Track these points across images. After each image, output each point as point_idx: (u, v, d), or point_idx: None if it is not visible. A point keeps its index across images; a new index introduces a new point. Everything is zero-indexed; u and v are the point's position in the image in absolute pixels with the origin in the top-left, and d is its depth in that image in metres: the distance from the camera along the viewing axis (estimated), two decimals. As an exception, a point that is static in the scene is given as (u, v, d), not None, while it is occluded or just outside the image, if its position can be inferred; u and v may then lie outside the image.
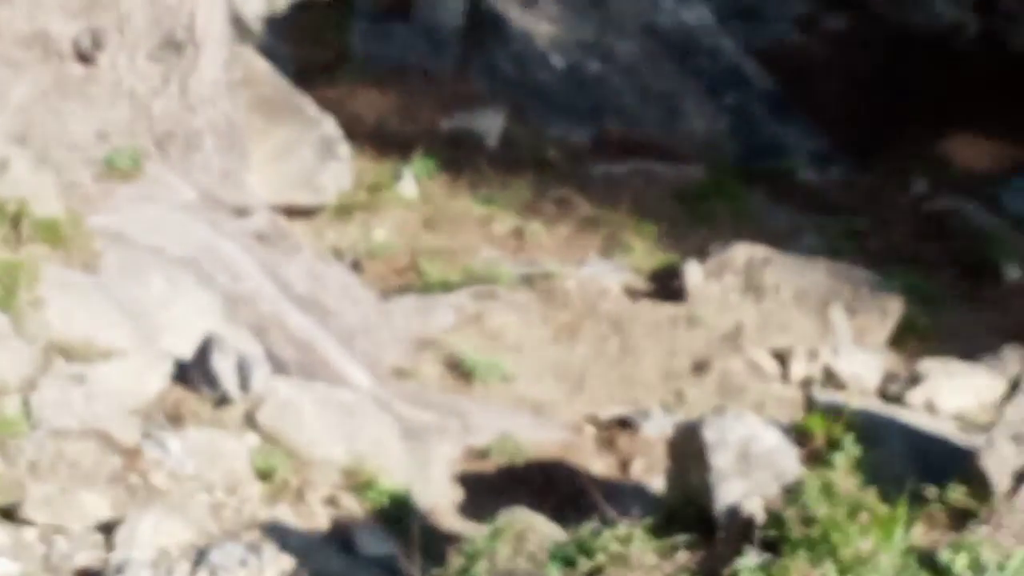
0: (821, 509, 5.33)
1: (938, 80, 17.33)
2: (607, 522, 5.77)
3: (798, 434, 6.32)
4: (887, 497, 5.42)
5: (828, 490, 5.43)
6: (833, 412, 6.42)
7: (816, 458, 6.03)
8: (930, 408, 9.66)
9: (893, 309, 10.65)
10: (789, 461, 5.93)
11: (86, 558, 6.76)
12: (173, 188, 9.44)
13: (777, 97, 16.07)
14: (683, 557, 5.54)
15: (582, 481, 8.10)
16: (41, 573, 6.67)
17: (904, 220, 13.21)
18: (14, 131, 9.09)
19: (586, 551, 5.59)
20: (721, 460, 5.87)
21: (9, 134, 9.05)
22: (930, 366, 10.00)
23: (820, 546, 5.19)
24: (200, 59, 9.78)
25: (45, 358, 7.76)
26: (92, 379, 7.71)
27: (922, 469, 5.90)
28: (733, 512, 5.62)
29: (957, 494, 5.63)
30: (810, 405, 6.84)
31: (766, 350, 10.17)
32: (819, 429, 6.27)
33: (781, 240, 11.84)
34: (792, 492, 5.51)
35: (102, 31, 9.39)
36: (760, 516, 5.47)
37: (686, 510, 5.89)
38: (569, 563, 5.59)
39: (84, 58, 9.37)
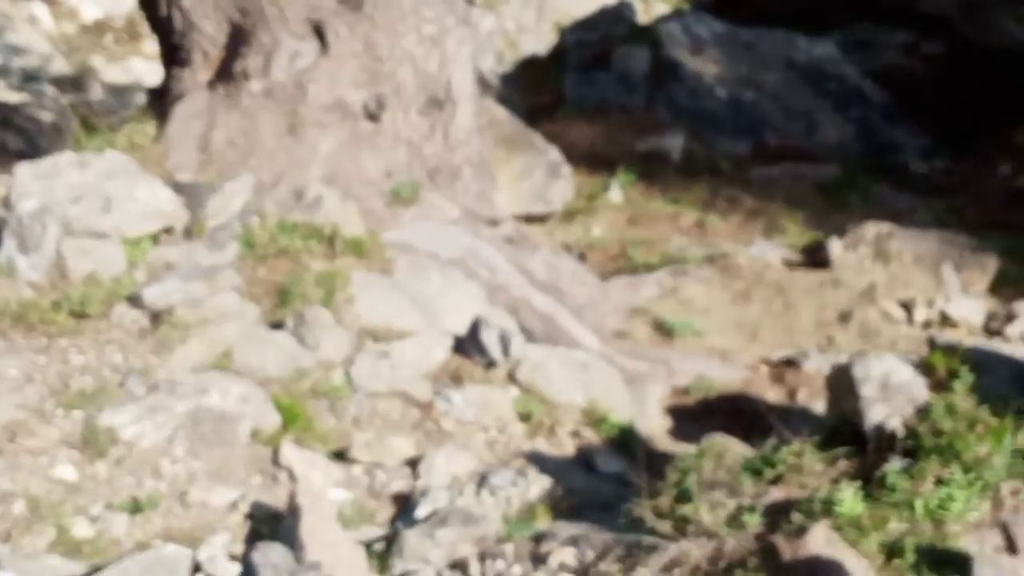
0: (946, 424, 5.27)
1: (1014, 86, 16.96)
2: (783, 440, 5.75)
3: (924, 367, 6.24)
4: (997, 412, 5.35)
5: (951, 409, 5.37)
6: (950, 349, 6.34)
7: (940, 385, 5.94)
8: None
9: (990, 265, 10.46)
10: (919, 389, 5.88)
11: (399, 486, 6.88)
12: (442, 208, 9.53)
13: (891, 108, 15.85)
14: (843, 465, 5.50)
15: (761, 408, 8.08)
16: (367, 498, 6.80)
17: (994, 196, 12.98)
18: (324, 175, 9.24)
19: (769, 463, 5.58)
20: (868, 390, 5.84)
21: (321, 177, 9.20)
22: (1022, 306, 9.83)
23: (947, 452, 5.14)
24: (456, 111, 9.85)
25: (359, 340, 7.88)
26: (394, 353, 7.82)
27: (1022, 388, 5.81)
28: (879, 429, 5.58)
29: (1052, 406, 5.53)
30: (932, 344, 6.72)
31: (894, 302, 10.05)
32: (940, 363, 6.18)
33: (900, 217, 11.68)
34: (923, 412, 5.45)
35: (383, 96, 9.49)
36: (900, 431, 5.42)
37: (843, 429, 5.85)
38: (757, 473, 5.58)
39: (372, 117, 9.48)
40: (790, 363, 9.23)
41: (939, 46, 17.90)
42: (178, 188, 8.53)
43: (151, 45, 10.93)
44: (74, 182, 8.03)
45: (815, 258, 10.64)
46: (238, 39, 9.63)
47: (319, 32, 9.50)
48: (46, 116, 17.11)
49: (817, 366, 8.93)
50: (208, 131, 9.44)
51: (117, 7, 25.47)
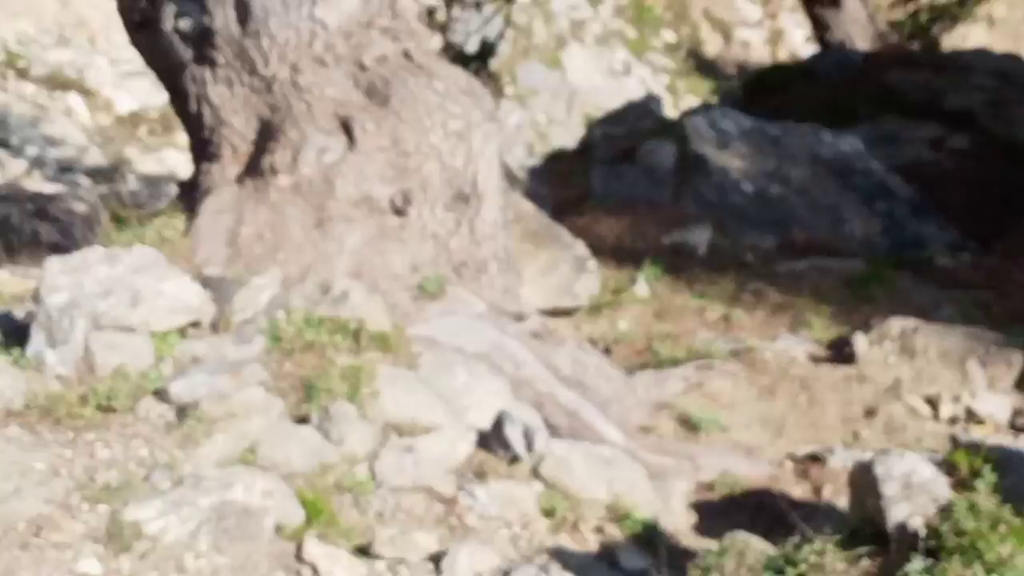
0: (969, 523, 5.28)
1: (1041, 180, 17.04)
2: (806, 538, 5.77)
3: (947, 466, 6.25)
4: (1020, 512, 5.36)
5: (973, 509, 5.38)
6: (973, 447, 6.35)
7: (962, 484, 5.95)
8: (1052, 435, 9.53)
9: (1016, 360, 10.46)
10: (942, 488, 5.87)
11: (422, 582, 6.91)
12: (468, 303, 9.58)
13: (917, 202, 15.91)
14: (866, 564, 5.52)
15: (785, 505, 8.07)
16: (390, 596, 6.82)
17: (1020, 290, 12.96)
18: (351, 269, 9.31)
19: (791, 563, 5.59)
20: (890, 489, 5.84)
21: (348, 271, 9.27)
22: (1049, 403, 9.85)
23: (970, 552, 5.15)
24: (483, 206, 9.93)
25: (383, 434, 7.91)
26: (418, 448, 7.85)
27: (1046, 489, 5.82)
28: (902, 528, 5.59)
29: (1076, 508, 5.53)
30: (955, 443, 6.76)
31: (920, 397, 10.04)
32: (963, 461, 6.19)
33: (926, 312, 11.69)
34: (946, 511, 5.47)
35: (410, 191, 9.58)
36: (922, 531, 5.43)
37: (865, 528, 5.86)
38: (779, 572, 5.60)
39: (398, 212, 9.56)
40: (815, 459, 9.23)
41: (965, 140, 18.01)
42: (206, 282, 8.61)
43: (185, 136, 11.06)
44: (103, 276, 8.11)
45: (841, 353, 10.65)
46: (266, 134, 9.76)
47: (347, 128, 9.62)
48: (80, 207, 17.28)
49: (843, 462, 8.91)
50: (236, 225, 9.54)
51: (152, 99, 25.83)
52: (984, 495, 5.53)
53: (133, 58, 20.26)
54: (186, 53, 9.97)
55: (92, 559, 6.37)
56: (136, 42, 10.64)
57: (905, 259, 13.93)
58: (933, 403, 9.94)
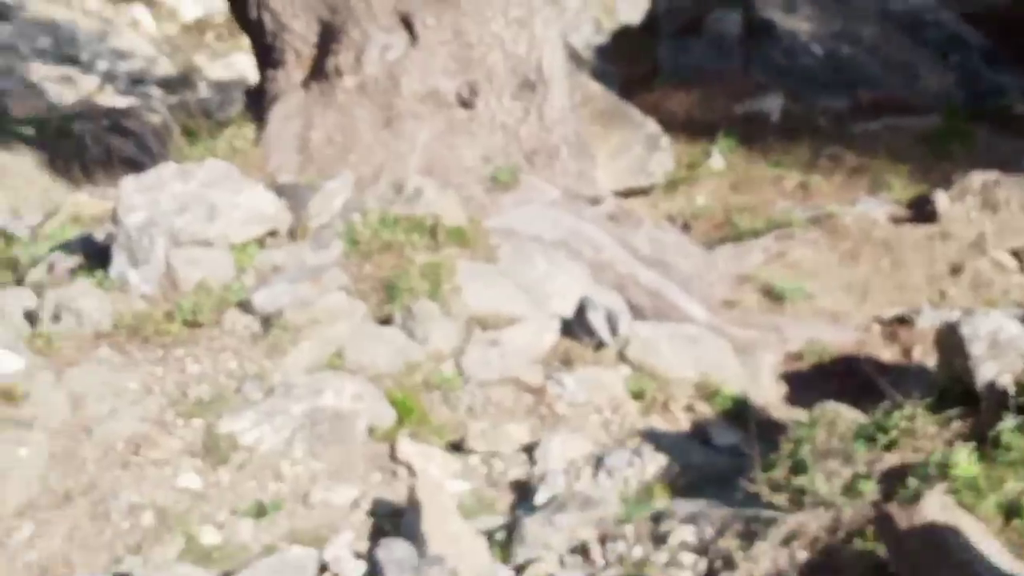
0: (1060, 377, 5.25)
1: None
2: (896, 404, 5.75)
3: (1035, 320, 6.19)
4: (1108, 360, 5.32)
5: (1063, 363, 5.35)
6: (1061, 299, 6.31)
7: (1052, 338, 5.90)
8: None
9: (1104, 206, 10.31)
10: (1030, 343, 5.83)
11: (516, 473, 6.96)
12: (542, 191, 9.57)
13: (991, 51, 15.61)
14: (957, 426, 5.50)
15: (874, 371, 8.03)
16: (486, 488, 6.88)
17: (1101, 133, 12.76)
18: (423, 166, 9.32)
19: (882, 429, 5.59)
20: (977, 349, 5.80)
21: (419, 168, 9.28)
22: None
23: (1062, 406, 5.12)
24: (549, 92, 9.89)
25: (467, 329, 7.96)
26: (503, 341, 7.90)
27: None
28: (991, 387, 5.55)
29: None
30: (1042, 296, 6.71)
31: (1005, 251, 9.92)
32: (1051, 314, 6.14)
33: (1007, 164, 11.49)
34: (1035, 368, 5.43)
35: (476, 83, 9.55)
36: (1012, 388, 5.40)
37: (955, 389, 5.83)
38: (871, 439, 5.60)
39: (465, 104, 9.54)
40: (903, 321, 9.17)
41: (1038, -17, 17.62)
42: (280, 190, 8.65)
43: (252, 41, 11.05)
44: (178, 192, 8.17)
45: (922, 212, 10.52)
46: (328, 37, 9.74)
47: (407, 24, 9.59)
48: (154, 119, 17.34)
49: (931, 322, 8.85)
50: (305, 131, 9.57)
51: (217, 4, 25.76)
52: (1074, 347, 5.49)
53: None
54: (244, -40, 9.95)
55: (191, 473, 6.48)
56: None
57: (983, 111, 13.71)
58: (1019, 256, 9.82)
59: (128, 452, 6.52)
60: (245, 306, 7.61)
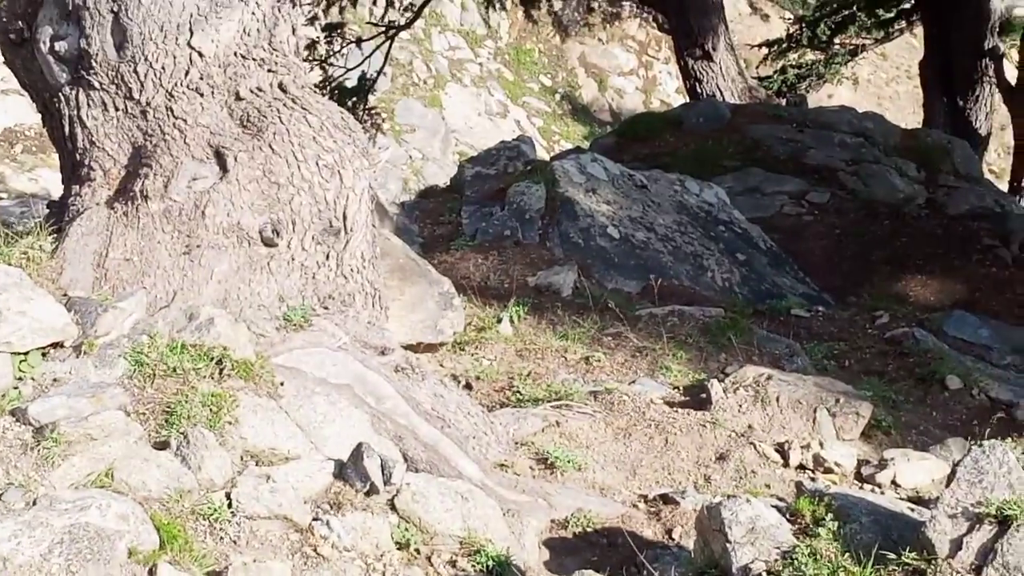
0: (810, 570, 5.38)
1: (896, 237, 17.43)
2: (653, 579, 5.83)
3: (792, 512, 6.35)
4: (859, 560, 5.45)
5: (815, 555, 5.48)
6: (817, 495, 6.45)
7: (805, 531, 6.05)
8: (894, 485, 9.68)
9: (864, 411, 10.67)
10: (785, 534, 5.97)
11: (273, 610, 6.86)
12: (333, 335, 9.54)
13: (777, 253, 16.17)
14: (709, 606, 5.59)
15: (636, 545, 8.13)
16: (240, 623, 6.76)
17: (872, 344, 13.23)
18: (217, 297, 9.25)
19: (637, 603, 5.65)
20: (736, 533, 5.92)
21: (215, 299, 9.21)
22: (893, 453, 10.01)
23: (809, 597, 5.24)
24: (351, 240, 9.91)
25: (242, 463, 7.87)
26: (276, 477, 7.80)
27: (884, 538, 5.92)
28: (745, 572, 5.67)
29: (910, 558, 5.65)
30: (800, 490, 6.85)
31: (771, 444, 10.17)
32: (807, 509, 6.29)
33: (780, 362, 11.90)
34: (788, 557, 5.55)
35: (280, 222, 9.54)
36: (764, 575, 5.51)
37: (711, 571, 5.93)
38: (625, 611, 5.65)
39: (268, 243, 9.52)
40: (667, 500, 9.30)
41: (825, 195, 18.39)
42: (70, 304, 8.50)
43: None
44: (-34, 294, 7.98)
45: (696, 398, 10.77)
46: (139, 160, 9.65)
47: (220, 157, 9.56)
48: (-54, 223, 16.96)
49: (693, 504, 9.00)
50: (104, 248, 9.43)
51: (27, 117, 25.47)
52: (826, 542, 5.63)
53: (9, 76, 19.96)
54: (61, 75, 9.84)
55: (-60, 578, 6.25)
56: (10, 62, 10.48)
57: (763, 309, 14.14)
58: (783, 450, 10.07)
59: None
60: (19, 415, 7.42)
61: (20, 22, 10.04)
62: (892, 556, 5.66)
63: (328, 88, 22.84)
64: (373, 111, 24.30)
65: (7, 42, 10.25)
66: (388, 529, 7.78)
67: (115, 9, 9.54)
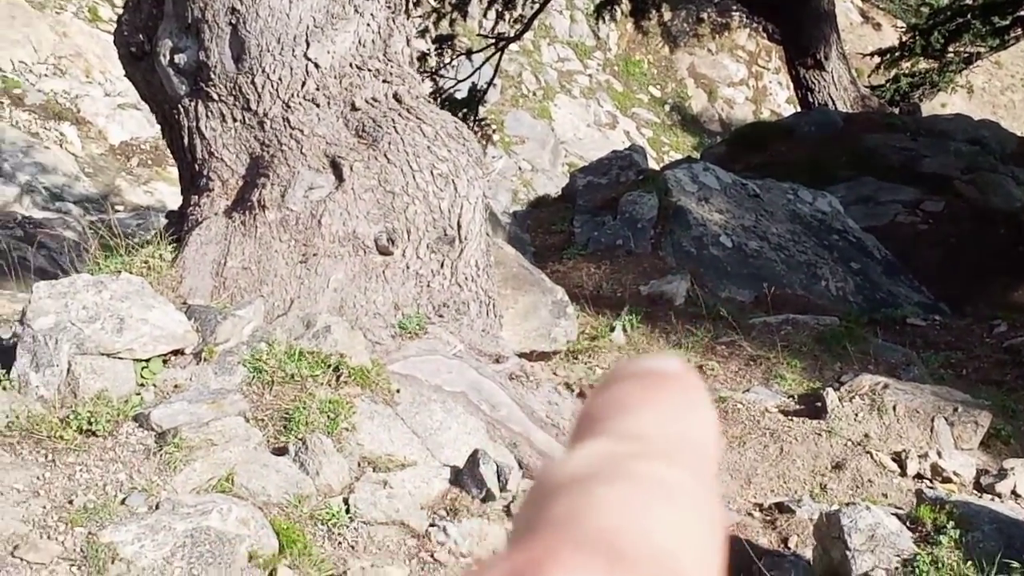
0: (931, 577, 5.30)
1: (1014, 245, 17.16)
2: (771, 587, 5.78)
3: (912, 520, 6.27)
4: (981, 568, 5.37)
5: (936, 563, 5.40)
6: (938, 503, 6.37)
7: (926, 539, 5.97)
8: (1015, 495, 9.51)
9: (983, 420, 10.47)
10: (906, 541, 5.89)
11: (391, 615, 6.90)
12: (448, 343, 9.58)
13: (891, 262, 15.98)
14: (829, 613, 5.53)
15: (752, 554, 8.07)
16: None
17: (989, 353, 13.00)
18: (334, 305, 9.32)
19: (756, 609, 5.61)
20: (855, 540, 5.86)
21: (331, 307, 9.28)
22: (1013, 463, 9.83)
23: (931, 605, 5.16)
24: (466, 248, 9.95)
25: (359, 469, 7.92)
26: (393, 483, 7.85)
27: (1007, 547, 5.83)
28: (865, 579, 5.60)
29: (1034, 565, 5.55)
30: (920, 498, 6.76)
31: (887, 453, 10.05)
32: (928, 517, 6.21)
33: (896, 370, 11.73)
34: (909, 565, 5.48)
35: (395, 231, 9.60)
36: (885, 582, 5.44)
37: (830, 578, 5.88)
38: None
39: (383, 251, 9.58)
40: (783, 509, 9.22)
41: (940, 204, 18.15)
42: (190, 312, 8.62)
43: (174, 169, 11.09)
44: (89, 302, 8.11)
45: (811, 407, 10.66)
46: (256, 170, 9.77)
47: (335, 166, 9.64)
48: (69, 234, 17.27)
49: (809, 513, 8.91)
50: (223, 257, 9.55)
51: (144, 131, 25.86)
52: (947, 550, 5.55)
53: (127, 90, 20.32)
54: (180, 87, 9.98)
55: (66, 580, 6.35)
56: (131, 75, 10.65)
57: (878, 318, 13.97)
58: (900, 459, 9.94)
59: (5, 552, 6.39)
60: (142, 420, 7.53)
61: (141, 35, 10.20)
62: (1016, 565, 5.57)
63: (439, 100, 22.97)
64: (483, 122, 24.37)
65: (128, 55, 10.41)
66: (505, 535, 7.78)
67: (233, 22, 9.67)
